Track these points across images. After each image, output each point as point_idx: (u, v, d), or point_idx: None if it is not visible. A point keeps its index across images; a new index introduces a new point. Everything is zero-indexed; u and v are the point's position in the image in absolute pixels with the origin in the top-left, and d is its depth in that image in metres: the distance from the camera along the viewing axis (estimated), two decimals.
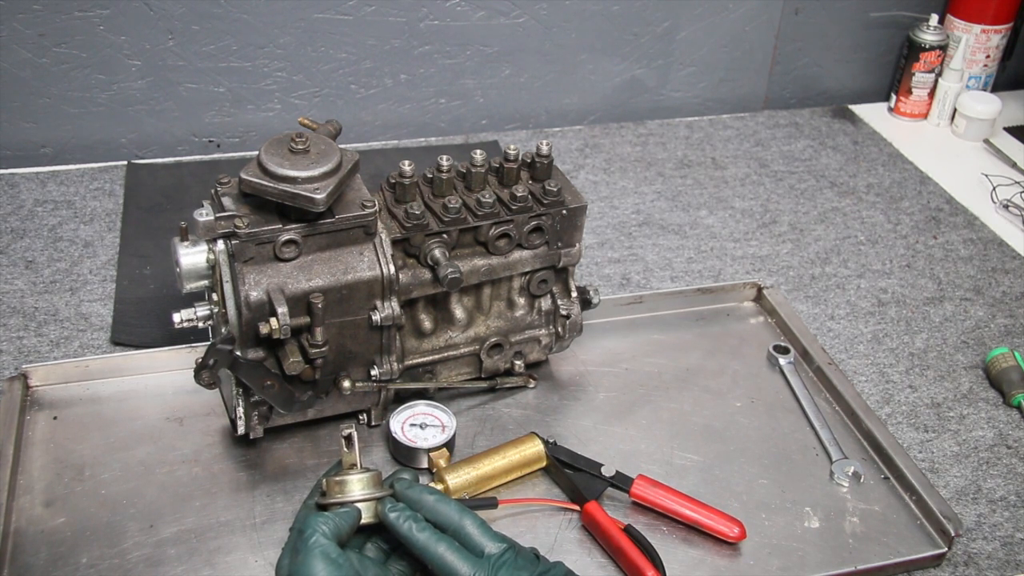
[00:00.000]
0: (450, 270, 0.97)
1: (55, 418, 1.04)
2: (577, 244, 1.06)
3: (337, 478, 0.84)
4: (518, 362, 1.08)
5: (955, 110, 1.70)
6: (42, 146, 1.48)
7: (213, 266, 0.93)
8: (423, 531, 0.80)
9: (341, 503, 0.83)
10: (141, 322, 1.17)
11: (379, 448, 1.03)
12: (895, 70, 1.75)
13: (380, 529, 0.84)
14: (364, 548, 0.84)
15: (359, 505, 0.83)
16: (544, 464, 1.01)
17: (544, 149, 1.04)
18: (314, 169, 0.90)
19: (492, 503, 0.95)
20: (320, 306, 0.90)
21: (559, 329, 1.09)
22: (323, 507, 0.84)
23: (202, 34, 1.44)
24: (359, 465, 0.86)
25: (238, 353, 0.92)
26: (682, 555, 0.95)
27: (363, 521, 0.83)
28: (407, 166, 1.00)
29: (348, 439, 0.87)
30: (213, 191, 0.94)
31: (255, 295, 0.91)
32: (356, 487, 0.84)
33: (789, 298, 1.29)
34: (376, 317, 0.95)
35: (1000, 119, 1.69)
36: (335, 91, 1.55)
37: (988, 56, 1.71)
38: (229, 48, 1.47)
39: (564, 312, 1.08)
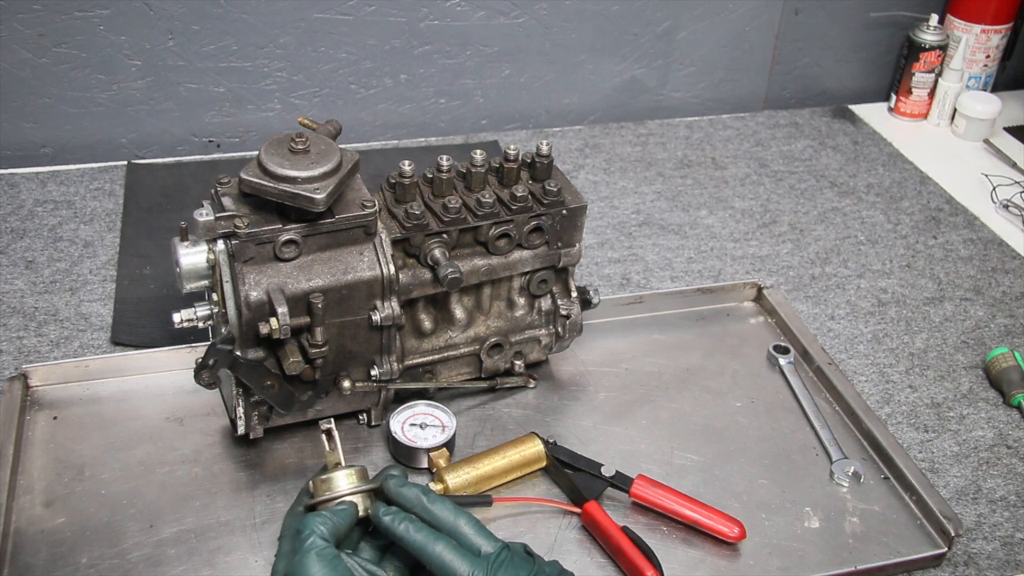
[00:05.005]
0: (450, 270, 0.97)
1: (55, 418, 1.04)
2: (577, 244, 1.06)
3: (323, 476, 0.84)
4: (518, 362, 1.08)
5: (955, 110, 1.70)
6: (42, 146, 1.48)
7: (213, 266, 0.93)
8: (419, 531, 0.80)
9: (331, 499, 0.82)
10: (141, 322, 1.17)
11: (379, 448, 1.03)
12: (895, 70, 1.75)
13: (373, 524, 0.84)
14: (359, 547, 0.84)
15: (352, 500, 0.83)
16: (544, 464, 1.01)
17: (544, 149, 1.04)
18: (314, 169, 0.90)
19: (487, 501, 0.95)
20: (320, 306, 0.90)
21: (559, 329, 1.09)
22: (312, 507, 0.83)
23: (202, 34, 1.44)
24: (343, 463, 0.86)
25: (238, 353, 0.92)
26: (682, 555, 0.95)
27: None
28: (407, 166, 1.00)
29: (328, 435, 0.86)
30: (213, 191, 0.94)
31: (255, 295, 0.91)
32: (344, 482, 0.83)
33: (789, 298, 1.29)
34: (376, 317, 0.95)
35: (1000, 119, 1.69)
36: (335, 91, 1.55)
37: (988, 56, 1.71)
38: (229, 48, 1.47)
39: (564, 312, 1.08)
